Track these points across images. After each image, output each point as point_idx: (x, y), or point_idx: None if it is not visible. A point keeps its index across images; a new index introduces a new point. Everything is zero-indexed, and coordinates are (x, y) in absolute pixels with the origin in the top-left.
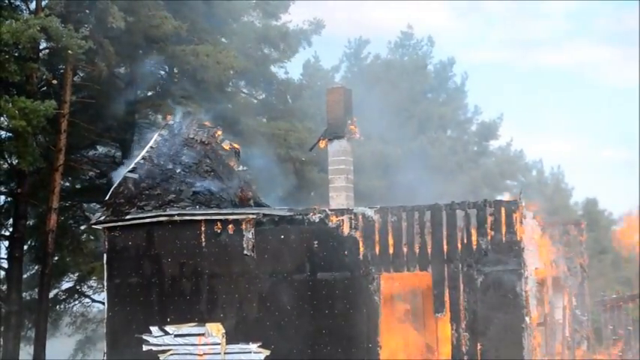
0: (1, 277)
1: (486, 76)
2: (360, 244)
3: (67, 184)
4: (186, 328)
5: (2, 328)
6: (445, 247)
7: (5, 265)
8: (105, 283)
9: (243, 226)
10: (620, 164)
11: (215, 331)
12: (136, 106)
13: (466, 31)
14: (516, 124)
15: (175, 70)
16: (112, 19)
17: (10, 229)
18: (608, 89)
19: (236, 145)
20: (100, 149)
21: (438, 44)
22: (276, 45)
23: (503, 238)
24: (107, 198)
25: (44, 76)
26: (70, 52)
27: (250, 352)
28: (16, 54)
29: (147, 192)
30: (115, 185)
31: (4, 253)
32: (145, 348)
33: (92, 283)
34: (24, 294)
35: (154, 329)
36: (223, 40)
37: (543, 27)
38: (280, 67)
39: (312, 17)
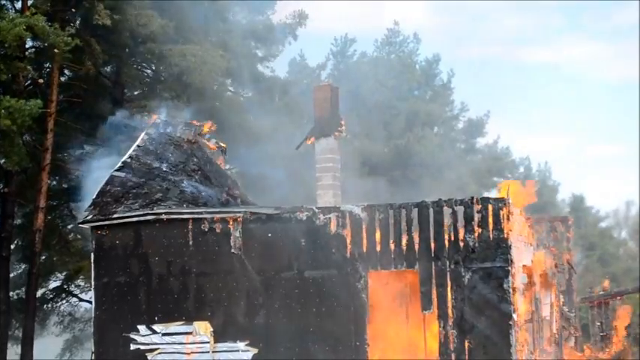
0: None
1: (473, 73)
2: (348, 241)
3: (54, 183)
4: (173, 327)
5: None
6: (432, 244)
7: None
8: (92, 282)
9: (231, 225)
10: (606, 160)
11: (203, 329)
12: (123, 104)
13: (453, 28)
14: (503, 121)
15: (162, 69)
16: (97, 16)
17: None
18: (596, 86)
19: (223, 144)
20: (87, 148)
21: (424, 41)
22: (261, 40)
23: (491, 235)
24: (94, 197)
25: (30, 75)
26: (56, 50)
27: (238, 351)
28: (3, 53)
29: (134, 191)
30: (102, 184)
31: None
32: (132, 347)
33: (80, 282)
34: (11, 293)
35: (142, 328)
36: (209, 38)
37: (531, 23)
38: (267, 66)
39: (294, 10)
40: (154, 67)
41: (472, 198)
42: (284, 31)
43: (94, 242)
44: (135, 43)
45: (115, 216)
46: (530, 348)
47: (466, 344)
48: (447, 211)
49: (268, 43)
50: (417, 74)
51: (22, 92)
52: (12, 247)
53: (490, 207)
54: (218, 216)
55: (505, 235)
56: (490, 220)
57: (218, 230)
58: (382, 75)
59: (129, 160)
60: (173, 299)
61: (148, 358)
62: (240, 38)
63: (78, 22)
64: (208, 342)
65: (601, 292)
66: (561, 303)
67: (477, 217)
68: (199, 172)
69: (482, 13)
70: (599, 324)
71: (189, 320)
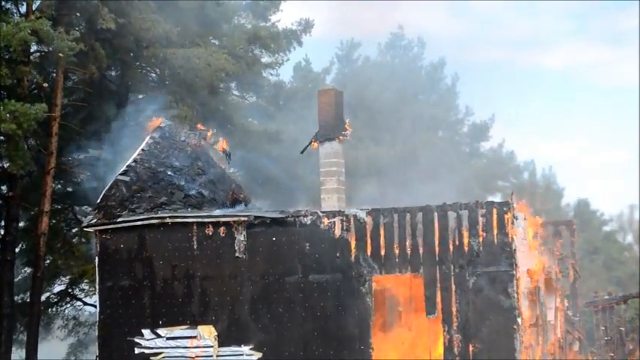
0: None
1: (478, 77)
2: (352, 245)
3: (59, 187)
4: (178, 331)
5: None
6: (437, 248)
7: None
8: (97, 286)
9: (235, 229)
10: (611, 165)
11: (207, 333)
12: (127, 108)
13: (459, 31)
14: (508, 126)
15: (167, 73)
16: (102, 20)
17: (2, 232)
18: (600, 90)
19: (227, 148)
20: (92, 152)
21: (429, 45)
22: (266, 46)
23: (495, 240)
24: (99, 201)
25: (35, 80)
26: (61, 54)
27: (242, 355)
28: (7, 57)
29: (138, 195)
30: (106, 188)
31: None
32: (137, 351)
33: (84, 286)
34: (16, 297)
35: (146, 332)
36: (214, 41)
37: (536, 27)
38: (272, 68)
39: (300, 17)
40: (158, 71)
41: (476, 202)
42: (289, 37)
43: (98, 246)
44: (139, 47)
45: (120, 220)
46: (535, 352)
47: (470, 348)
48: (451, 215)
49: (273, 49)
50: (421, 78)
51: (27, 96)
52: (16, 250)
53: (494, 211)
54: (222, 220)
55: (509, 240)
56: (494, 224)
57: (222, 234)
58: (387, 79)
59: (133, 164)
60: (177, 303)
61: None
62: (244, 42)
63: (82, 26)
64: (212, 346)
65: (605, 297)
66: (566, 307)
67: (481, 221)
68: (204, 176)
69: (489, 16)
70: (603, 328)
71: (193, 324)
